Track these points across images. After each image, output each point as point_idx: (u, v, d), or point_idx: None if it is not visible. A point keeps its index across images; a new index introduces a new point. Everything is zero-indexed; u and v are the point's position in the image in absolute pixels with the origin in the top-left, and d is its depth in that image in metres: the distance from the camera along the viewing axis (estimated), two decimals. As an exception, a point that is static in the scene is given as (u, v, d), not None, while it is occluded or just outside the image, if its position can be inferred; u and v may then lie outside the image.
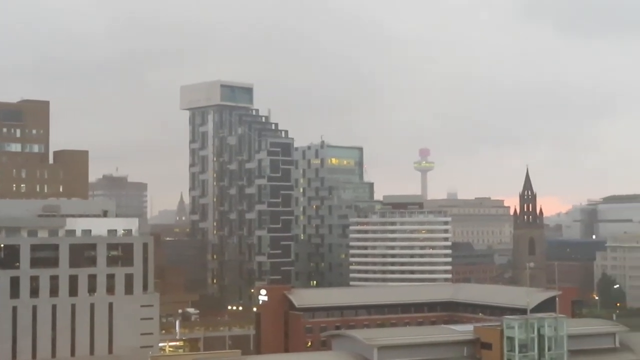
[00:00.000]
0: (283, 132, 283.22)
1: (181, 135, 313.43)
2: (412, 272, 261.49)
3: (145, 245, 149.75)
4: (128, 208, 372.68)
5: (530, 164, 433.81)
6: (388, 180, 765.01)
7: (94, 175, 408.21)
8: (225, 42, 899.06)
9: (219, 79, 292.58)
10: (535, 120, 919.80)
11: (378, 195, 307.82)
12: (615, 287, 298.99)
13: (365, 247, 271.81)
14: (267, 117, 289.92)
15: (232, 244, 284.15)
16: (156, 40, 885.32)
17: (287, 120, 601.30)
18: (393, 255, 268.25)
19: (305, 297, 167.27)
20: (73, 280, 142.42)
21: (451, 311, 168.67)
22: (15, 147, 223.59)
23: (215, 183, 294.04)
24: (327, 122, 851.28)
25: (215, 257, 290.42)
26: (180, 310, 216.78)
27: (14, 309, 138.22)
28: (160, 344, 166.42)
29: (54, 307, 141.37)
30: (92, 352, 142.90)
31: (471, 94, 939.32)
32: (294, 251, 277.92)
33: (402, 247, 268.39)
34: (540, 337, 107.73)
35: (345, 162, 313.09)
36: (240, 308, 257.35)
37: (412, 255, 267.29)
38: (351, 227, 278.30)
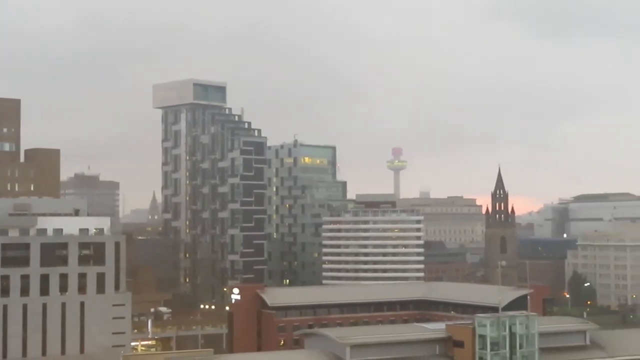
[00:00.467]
0: (256, 131, 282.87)
1: (154, 134, 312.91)
2: (384, 270, 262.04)
3: (117, 244, 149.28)
4: (100, 207, 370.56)
5: (503, 163, 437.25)
6: (361, 179, 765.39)
7: (65, 174, 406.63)
8: (198, 41, 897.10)
9: (192, 78, 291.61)
10: (508, 120, 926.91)
11: (351, 194, 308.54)
12: (585, 285, 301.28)
13: (338, 246, 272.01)
14: (240, 116, 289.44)
15: (205, 242, 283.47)
16: (128, 38, 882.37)
17: (260, 119, 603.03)
18: (366, 254, 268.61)
19: (278, 295, 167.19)
20: (44, 280, 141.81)
21: (423, 309, 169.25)
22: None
23: (187, 182, 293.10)
24: (300, 121, 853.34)
25: (187, 256, 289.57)
26: (152, 309, 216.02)
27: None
28: (133, 343, 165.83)
29: (24, 306, 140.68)
30: (63, 351, 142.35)
31: (444, 93, 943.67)
32: (266, 250, 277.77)
33: (374, 246, 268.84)
34: (512, 335, 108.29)
35: (318, 161, 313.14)
36: (213, 307, 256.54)
37: (384, 254, 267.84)
38: (324, 226, 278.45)
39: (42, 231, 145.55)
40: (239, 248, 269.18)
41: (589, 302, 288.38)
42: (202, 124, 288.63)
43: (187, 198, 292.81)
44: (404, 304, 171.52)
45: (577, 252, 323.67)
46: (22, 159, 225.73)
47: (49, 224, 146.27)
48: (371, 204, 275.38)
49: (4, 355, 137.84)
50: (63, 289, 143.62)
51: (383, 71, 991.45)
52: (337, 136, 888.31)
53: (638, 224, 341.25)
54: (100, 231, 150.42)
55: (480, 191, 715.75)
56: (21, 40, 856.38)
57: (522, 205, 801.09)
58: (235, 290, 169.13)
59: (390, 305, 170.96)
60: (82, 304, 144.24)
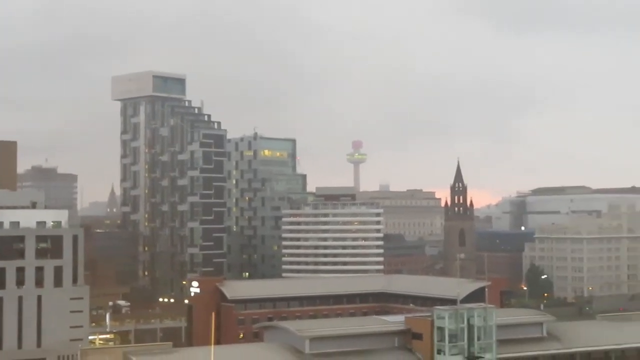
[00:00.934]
0: (216, 124, 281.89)
1: (112, 126, 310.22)
2: (344, 263, 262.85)
3: (75, 237, 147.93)
4: (57, 200, 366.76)
5: (462, 156, 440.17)
6: (321, 172, 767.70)
7: (22, 167, 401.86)
8: (157, 32, 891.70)
9: (151, 70, 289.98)
10: (467, 113, 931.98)
11: (311, 187, 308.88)
12: (543, 277, 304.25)
13: (298, 239, 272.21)
14: (199, 109, 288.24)
15: (164, 235, 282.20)
16: (86, 28, 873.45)
17: (220, 112, 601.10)
18: (325, 247, 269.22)
19: (237, 288, 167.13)
20: (0, 273, 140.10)
21: (383, 302, 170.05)
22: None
23: (147, 174, 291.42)
24: (260, 114, 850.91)
25: (146, 249, 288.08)
26: (110, 303, 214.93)
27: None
28: (90, 337, 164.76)
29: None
30: (20, 345, 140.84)
31: (404, 87, 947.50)
32: (226, 243, 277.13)
33: (334, 239, 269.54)
34: (470, 327, 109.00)
35: (278, 153, 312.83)
36: (172, 300, 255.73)
37: (344, 247, 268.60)
38: (284, 219, 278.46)
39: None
40: (199, 241, 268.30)
41: (546, 294, 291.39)
42: (162, 116, 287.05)
43: (146, 191, 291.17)
44: (363, 297, 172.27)
45: (534, 244, 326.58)
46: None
47: (6, 216, 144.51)
48: (331, 197, 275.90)
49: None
50: (20, 282, 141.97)
51: (343, 64, 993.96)
52: (297, 129, 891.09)
53: (594, 217, 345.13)
54: (57, 224, 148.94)
55: (439, 184, 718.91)
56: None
57: (481, 198, 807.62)
58: (195, 284, 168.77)
59: (350, 297, 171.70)
60: (39, 298, 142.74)
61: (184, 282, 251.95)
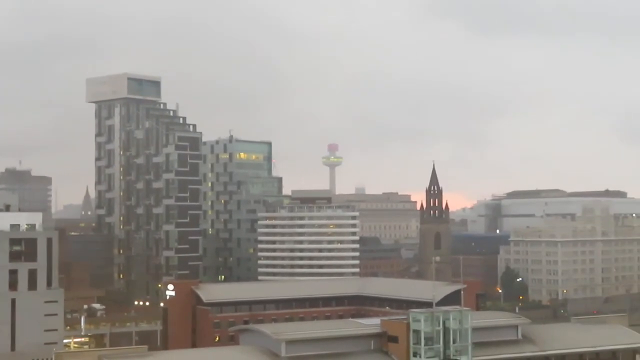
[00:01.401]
0: (191, 126, 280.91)
1: (87, 129, 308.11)
2: (320, 266, 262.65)
3: (49, 240, 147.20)
4: (31, 202, 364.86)
5: (437, 160, 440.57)
6: (296, 175, 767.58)
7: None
8: (132, 34, 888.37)
9: (126, 72, 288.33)
10: (442, 117, 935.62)
11: (287, 190, 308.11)
12: (518, 280, 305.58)
13: (274, 242, 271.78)
14: (175, 111, 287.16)
15: (139, 238, 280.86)
16: (61, 31, 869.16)
17: (196, 115, 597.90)
18: (301, 250, 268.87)
19: (213, 292, 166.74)
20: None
21: (359, 305, 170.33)
22: None
23: (122, 177, 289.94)
24: (235, 117, 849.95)
25: (121, 252, 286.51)
26: (85, 306, 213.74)
27: None
28: (65, 340, 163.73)
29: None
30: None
31: (380, 90, 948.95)
32: (202, 246, 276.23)
33: (310, 242, 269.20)
34: (446, 329, 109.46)
35: (253, 156, 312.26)
36: (147, 303, 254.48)
37: (320, 250, 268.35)
38: (259, 222, 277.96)
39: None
40: (174, 244, 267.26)
41: (521, 297, 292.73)
42: (137, 118, 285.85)
43: (121, 193, 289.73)
44: (339, 300, 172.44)
45: (509, 247, 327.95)
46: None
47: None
48: (307, 200, 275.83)
49: None
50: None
51: (318, 67, 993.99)
52: (272, 132, 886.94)
53: (569, 220, 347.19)
54: (32, 227, 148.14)
55: (415, 187, 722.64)
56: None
57: (456, 201, 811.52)
58: (170, 287, 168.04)
59: (326, 300, 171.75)
60: (13, 301, 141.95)
61: (159, 285, 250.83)
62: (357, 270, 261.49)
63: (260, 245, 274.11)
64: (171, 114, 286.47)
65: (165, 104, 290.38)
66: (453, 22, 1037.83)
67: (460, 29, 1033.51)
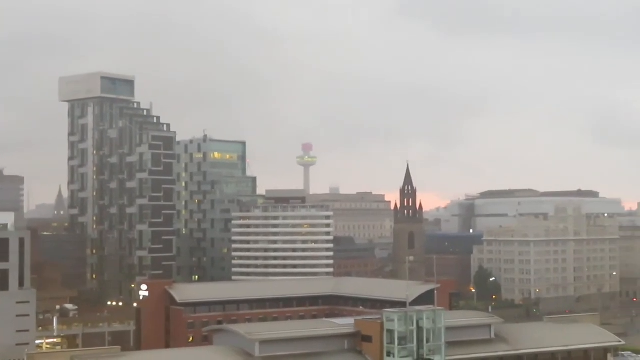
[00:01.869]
0: (165, 126, 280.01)
1: (60, 128, 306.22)
2: (294, 266, 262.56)
3: (21, 240, 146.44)
4: (3, 202, 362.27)
5: (411, 159, 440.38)
6: (271, 175, 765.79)
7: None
8: (106, 33, 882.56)
9: (100, 71, 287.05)
10: (415, 117, 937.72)
11: (261, 190, 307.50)
12: (491, 279, 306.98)
13: (248, 242, 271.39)
14: (149, 110, 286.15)
15: (113, 238, 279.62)
16: (33, 28, 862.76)
17: (170, 114, 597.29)
18: (275, 250, 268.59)
19: (186, 292, 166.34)
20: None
21: (333, 305, 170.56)
22: None
23: (95, 177, 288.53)
24: (209, 116, 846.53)
25: (94, 252, 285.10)
26: (58, 307, 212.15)
27: None
28: (37, 341, 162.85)
29: None
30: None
31: (353, 90, 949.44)
32: (175, 246, 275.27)
33: (284, 242, 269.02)
34: (419, 329, 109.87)
35: (228, 156, 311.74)
36: (121, 304, 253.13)
37: (294, 250, 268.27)
38: (233, 222, 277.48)
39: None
40: (147, 244, 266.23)
41: (494, 297, 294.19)
42: (110, 118, 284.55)
43: (95, 193, 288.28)
44: (313, 300, 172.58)
45: (482, 247, 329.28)
46: None
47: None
48: (281, 200, 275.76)
49: None
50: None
51: (292, 67, 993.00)
52: (246, 131, 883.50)
53: (541, 220, 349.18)
54: (4, 227, 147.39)
55: (389, 187, 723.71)
56: None
57: (430, 201, 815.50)
58: (143, 287, 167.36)
59: (300, 300, 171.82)
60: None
61: (132, 286, 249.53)
62: (331, 270, 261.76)
63: (234, 245, 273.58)
64: (145, 113, 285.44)
65: (139, 103, 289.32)
66: (423, 23, 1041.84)
67: (431, 29, 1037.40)
